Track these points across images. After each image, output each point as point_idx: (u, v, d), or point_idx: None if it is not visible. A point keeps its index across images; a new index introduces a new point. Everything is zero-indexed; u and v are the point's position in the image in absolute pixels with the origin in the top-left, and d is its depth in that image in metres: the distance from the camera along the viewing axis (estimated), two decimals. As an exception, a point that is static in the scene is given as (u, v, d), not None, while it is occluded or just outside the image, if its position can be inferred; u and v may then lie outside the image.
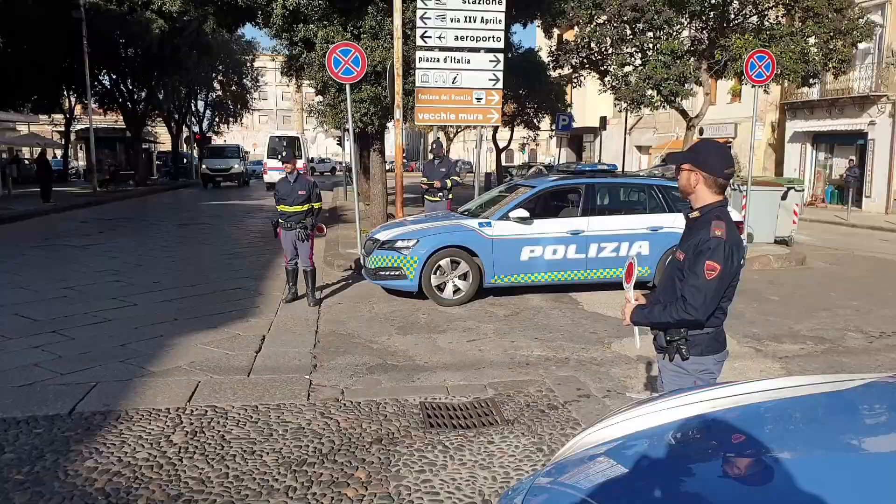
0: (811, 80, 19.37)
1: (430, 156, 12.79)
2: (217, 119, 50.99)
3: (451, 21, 11.16)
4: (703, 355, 3.12)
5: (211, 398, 5.11)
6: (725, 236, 2.97)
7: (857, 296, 9.42)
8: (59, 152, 43.99)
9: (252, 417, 4.72)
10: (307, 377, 5.65)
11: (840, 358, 6.44)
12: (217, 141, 51.44)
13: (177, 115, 45.01)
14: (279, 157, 30.53)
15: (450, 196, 11.93)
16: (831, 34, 17.19)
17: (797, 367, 6.11)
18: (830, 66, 17.77)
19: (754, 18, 18.40)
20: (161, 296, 8.81)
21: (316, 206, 8.51)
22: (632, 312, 3.23)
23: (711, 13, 18.35)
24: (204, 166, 36.40)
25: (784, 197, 13.58)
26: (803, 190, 16.26)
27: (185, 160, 48.85)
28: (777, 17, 18.51)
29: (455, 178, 12.12)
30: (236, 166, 35.97)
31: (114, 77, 34.74)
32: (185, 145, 49.71)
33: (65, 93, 35.68)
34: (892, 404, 2.33)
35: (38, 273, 10.24)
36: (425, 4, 11.08)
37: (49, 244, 13.58)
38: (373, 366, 6.06)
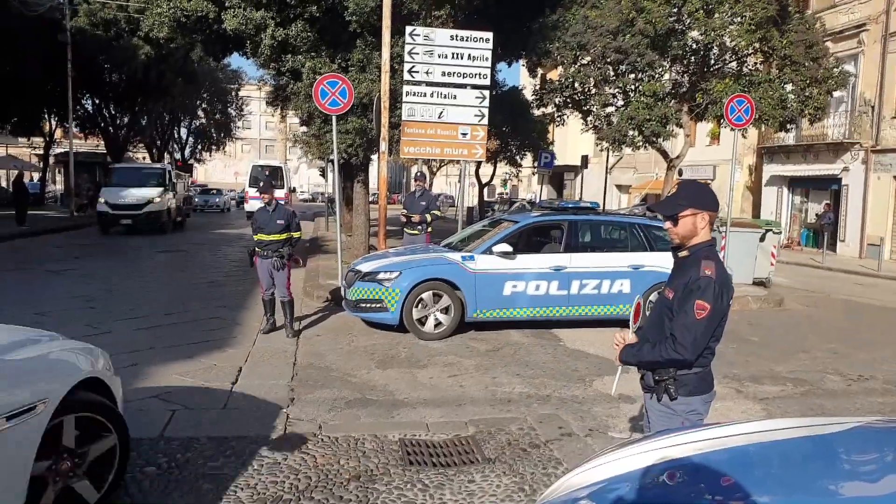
0: (788, 126, 19.81)
1: (413, 188, 12.85)
2: (199, 146, 50.87)
3: (439, 57, 11.30)
4: (692, 395, 3.10)
5: (186, 430, 4.99)
6: (715, 276, 2.98)
7: (835, 339, 9.50)
8: (36, 175, 43.54)
9: (227, 451, 4.61)
10: (284, 410, 5.55)
11: (820, 400, 6.46)
12: (201, 174, 50.49)
13: (159, 142, 44.84)
14: (259, 186, 30.40)
15: (429, 230, 11.95)
16: (808, 82, 17.63)
17: (778, 409, 6.12)
18: (807, 112, 18.19)
19: (734, 64, 18.84)
20: (137, 323, 8.65)
21: (295, 235, 8.50)
22: (621, 351, 3.22)
23: (692, 58, 18.76)
24: (102, 199, 21.70)
25: (762, 239, 13.77)
26: (780, 232, 16.50)
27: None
28: (756, 63, 18.97)
29: (436, 212, 12.16)
30: (157, 199, 22.01)
31: (97, 101, 34.61)
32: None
33: (46, 116, 35.43)
34: (878, 449, 2.33)
35: (10, 297, 10.02)
36: (413, 40, 11.22)
37: (22, 268, 13.35)
38: (351, 400, 5.97)
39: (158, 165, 27.92)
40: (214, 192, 45.40)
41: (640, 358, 3.13)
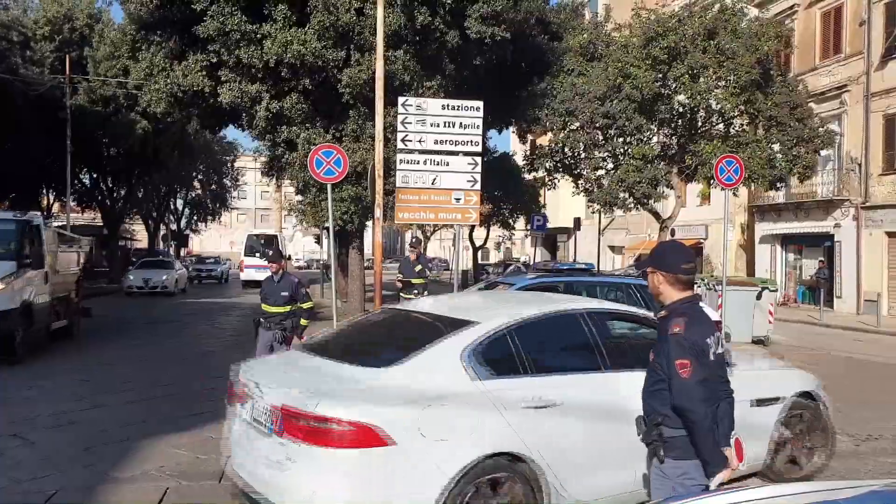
0: (778, 185, 20.10)
1: (407, 253, 12.92)
2: (195, 217, 51.16)
3: (431, 125, 11.49)
4: (681, 459, 3.02)
5: (179, 507, 4.76)
6: (683, 331, 2.99)
7: (837, 397, 9.27)
8: (32, 248, 43.54)
9: (222, 528, 4.42)
10: (281, 483, 5.38)
11: (829, 462, 6.30)
12: (197, 244, 49.66)
13: (155, 213, 45.13)
14: (257, 255, 30.26)
15: (425, 293, 11.94)
16: (794, 142, 18.00)
17: (785, 471, 5.96)
18: (795, 171, 18.50)
19: (721, 126, 19.26)
20: (130, 396, 8.50)
21: (304, 306, 8.28)
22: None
23: (679, 121, 19.19)
24: None
25: (759, 297, 13.76)
26: (776, 290, 16.52)
27: (169, 258, 47.85)
28: (742, 125, 19.38)
29: (427, 273, 12.24)
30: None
31: (94, 175, 35.00)
32: (162, 243, 49.60)
33: (44, 190, 35.78)
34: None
35: None
36: (406, 110, 11.43)
37: (16, 342, 13.04)
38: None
39: (6, 217, 12.16)
40: (163, 260, 31.46)
41: (703, 447, 3.00)
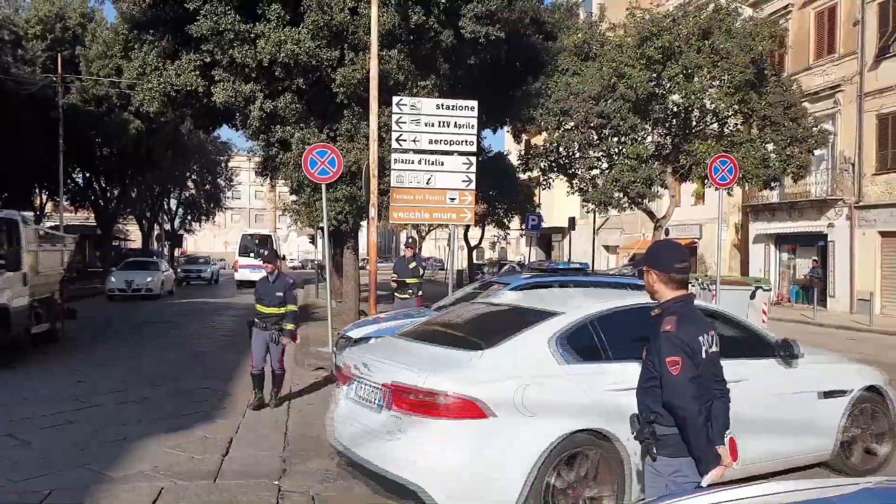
0: (772, 184, 20.17)
1: (402, 253, 12.92)
2: (189, 217, 50.98)
3: (426, 125, 11.49)
4: (674, 457, 3.04)
5: (173, 507, 4.74)
6: (675, 329, 3.02)
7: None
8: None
9: (217, 528, 4.42)
10: (276, 483, 5.40)
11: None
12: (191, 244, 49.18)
13: (149, 213, 44.95)
14: (252, 255, 30.21)
15: (419, 293, 11.94)
16: (788, 142, 18.05)
17: (779, 469, 6.00)
18: (789, 171, 18.54)
19: (715, 126, 19.29)
20: (124, 396, 8.48)
21: (290, 308, 8.15)
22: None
23: (674, 120, 19.21)
24: None
25: (752, 296, 13.81)
26: (770, 289, 16.57)
27: (154, 258, 47.47)
28: (736, 125, 19.42)
29: (421, 272, 12.25)
30: None
31: (87, 175, 34.88)
32: (156, 243, 49.40)
33: (37, 190, 35.63)
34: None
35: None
36: (400, 109, 11.43)
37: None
38: (344, 471, 5.81)
39: None
40: (148, 261, 29.15)
41: (695, 444, 3.02)
